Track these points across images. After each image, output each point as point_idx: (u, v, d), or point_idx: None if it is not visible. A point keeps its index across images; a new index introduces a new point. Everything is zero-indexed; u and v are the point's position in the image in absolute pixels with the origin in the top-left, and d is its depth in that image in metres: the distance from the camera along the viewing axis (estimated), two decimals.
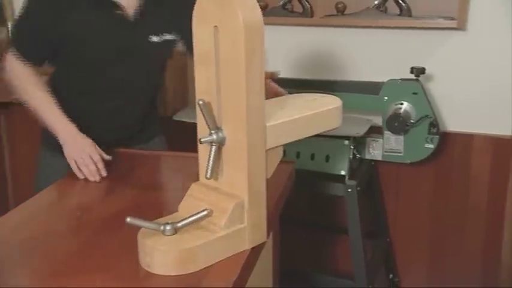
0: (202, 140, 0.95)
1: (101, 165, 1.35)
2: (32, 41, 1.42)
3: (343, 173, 1.90)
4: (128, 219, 0.93)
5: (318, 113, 1.06)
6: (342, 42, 2.11)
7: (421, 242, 2.20)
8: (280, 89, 1.35)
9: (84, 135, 1.40)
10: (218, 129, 0.96)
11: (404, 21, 1.96)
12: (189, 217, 0.95)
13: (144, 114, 1.59)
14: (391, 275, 2.23)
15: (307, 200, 2.26)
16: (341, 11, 2.02)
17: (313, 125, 1.06)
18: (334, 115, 1.09)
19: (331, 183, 1.93)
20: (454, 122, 2.05)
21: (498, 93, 1.98)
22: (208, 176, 0.96)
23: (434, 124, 1.89)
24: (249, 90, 0.90)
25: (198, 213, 0.96)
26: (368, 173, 2.06)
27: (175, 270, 0.91)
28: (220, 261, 0.94)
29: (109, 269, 0.94)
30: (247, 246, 0.97)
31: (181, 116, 2.10)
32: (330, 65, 2.14)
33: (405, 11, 1.96)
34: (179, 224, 0.95)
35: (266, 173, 0.98)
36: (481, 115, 2.02)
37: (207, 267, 0.92)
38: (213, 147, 0.95)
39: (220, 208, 0.96)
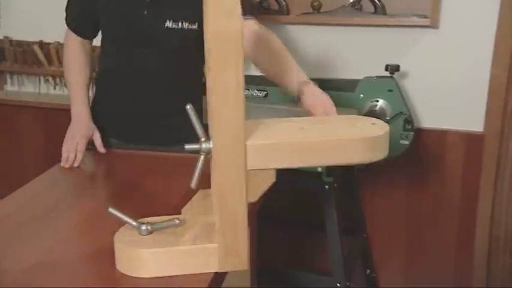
0: (186, 147, 0.90)
1: (79, 156, 1.41)
2: (79, 17, 1.52)
3: (320, 170, 1.91)
4: (110, 209, 0.93)
5: (329, 141, 0.90)
6: (318, 40, 2.12)
7: (397, 237, 2.23)
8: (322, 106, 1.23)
9: (90, 125, 1.47)
10: (208, 138, 0.90)
11: (379, 19, 1.98)
12: (163, 222, 0.95)
13: (169, 109, 1.48)
14: (368, 271, 2.25)
15: (285, 198, 2.27)
16: (317, 9, 2.03)
17: (320, 154, 0.90)
18: (355, 148, 0.91)
19: (308, 180, 1.94)
20: (428, 119, 2.09)
21: (470, 90, 2.01)
22: (192, 185, 0.91)
23: (409, 121, 1.91)
24: (219, 101, 0.83)
25: (170, 220, 0.95)
26: (344, 170, 2.08)
27: (138, 272, 0.90)
28: (187, 275, 0.90)
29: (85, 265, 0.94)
30: (217, 268, 0.91)
31: None
32: (306, 62, 2.15)
33: (380, 9, 1.98)
34: (153, 226, 0.94)
35: (247, 196, 0.88)
36: (454, 111, 2.05)
37: (170, 276, 0.90)
38: (201, 157, 0.90)
39: (193, 221, 0.94)
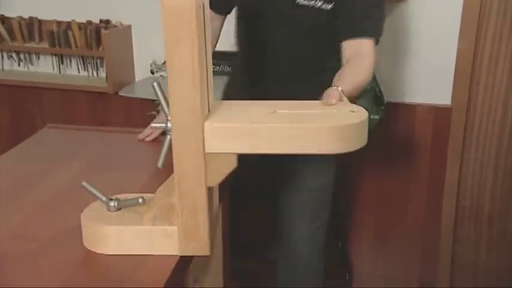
0: (152, 125, 0.90)
1: (154, 134, 1.39)
2: None
3: None
4: (83, 183, 0.93)
5: (295, 128, 0.84)
6: None
7: (367, 208, 2.27)
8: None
9: None
10: None
11: None
12: (129, 199, 0.94)
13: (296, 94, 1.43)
14: (340, 243, 2.30)
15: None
16: None
17: (284, 141, 0.84)
18: (324, 136, 0.85)
19: None
20: (397, 93, 2.11)
21: (439, 64, 2.04)
22: (159, 165, 0.89)
23: (379, 96, 1.93)
24: (174, 80, 0.80)
25: (134, 198, 0.94)
26: None
27: (102, 248, 0.90)
28: (155, 255, 0.89)
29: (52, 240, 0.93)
30: (177, 251, 0.89)
31: (127, 92, 2.04)
32: None
33: None
34: (120, 203, 0.94)
35: (206, 180, 0.85)
36: (423, 86, 2.08)
37: (137, 255, 0.89)
38: (168, 136, 0.88)
39: (156, 201, 0.92)
